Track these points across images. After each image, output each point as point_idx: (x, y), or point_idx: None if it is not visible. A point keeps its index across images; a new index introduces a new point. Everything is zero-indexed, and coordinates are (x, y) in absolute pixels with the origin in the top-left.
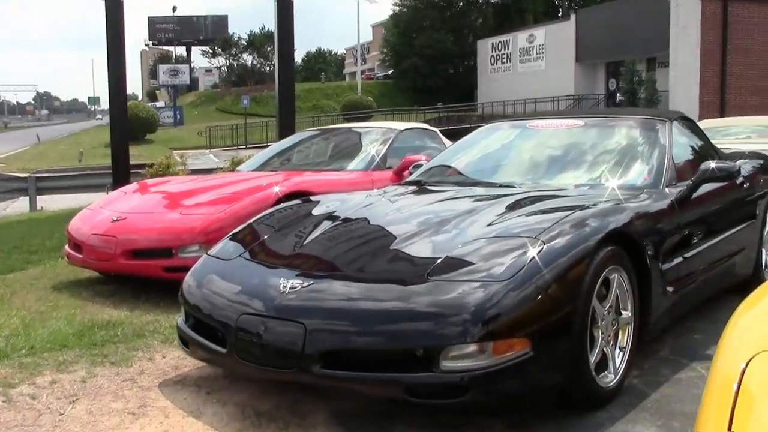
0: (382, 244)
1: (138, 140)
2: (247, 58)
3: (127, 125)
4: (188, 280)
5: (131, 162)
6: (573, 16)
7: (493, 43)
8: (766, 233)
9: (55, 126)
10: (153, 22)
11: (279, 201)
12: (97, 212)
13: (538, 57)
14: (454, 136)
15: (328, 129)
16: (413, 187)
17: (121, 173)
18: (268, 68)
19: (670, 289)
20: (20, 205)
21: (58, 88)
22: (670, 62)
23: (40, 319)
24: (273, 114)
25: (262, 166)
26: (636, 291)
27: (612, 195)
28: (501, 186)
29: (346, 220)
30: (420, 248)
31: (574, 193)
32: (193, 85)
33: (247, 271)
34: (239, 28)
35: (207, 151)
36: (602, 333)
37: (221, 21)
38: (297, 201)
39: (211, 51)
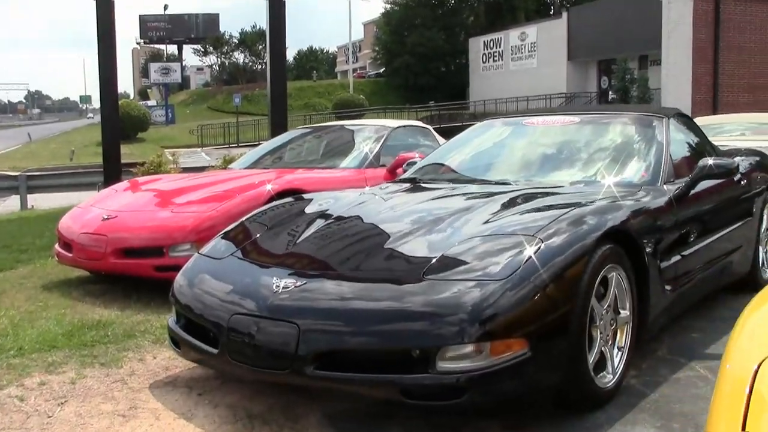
0: (376, 243)
1: (129, 139)
2: (239, 57)
3: (118, 124)
4: (179, 279)
5: (123, 160)
6: (565, 14)
7: (484, 41)
8: (763, 231)
9: (47, 125)
10: (144, 21)
11: (271, 199)
12: (87, 211)
13: (530, 55)
14: (445, 134)
15: (320, 126)
16: (407, 185)
17: (112, 172)
18: (259, 66)
19: (668, 287)
20: (11, 204)
21: (50, 87)
22: (663, 60)
23: (29, 319)
24: (265, 112)
25: (255, 164)
26: (634, 290)
27: (609, 192)
28: (496, 183)
29: (340, 218)
30: (415, 247)
31: (571, 190)
32: (185, 83)
33: (239, 271)
34: (231, 27)
35: (199, 149)
36: (600, 332)
37: (213, 19)
38: (290, 199)
39: (202, 49)
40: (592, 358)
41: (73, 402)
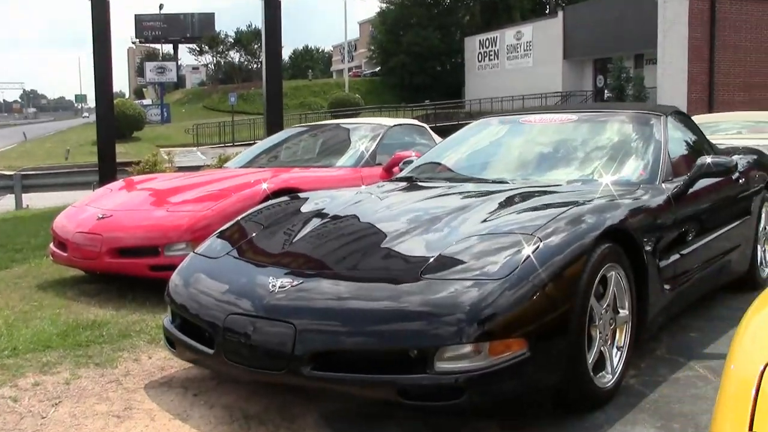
0: (373, 242)
1: (125, 138)
2: (234, 56)
3: (114, 123)
4: (174, 279)
5: (118, 160)
6: (560, 13)
7: (480, 41)
8: (761, 229)
9: (42, 124)
10: (140, 20)
11: (267, 198)
12: (82, 210)
13: (525, 54)
14: (441, 133)
15: (316, 125)
16: (404, 184)
17: (107, 171)
18: (255, 66)
19: (667, 286)
20: (6, 203)
21: (45, 86)
22: (658, 59)
23: (23, 319)
24: (260, 111)
25: (250, 163)
26: (633, 289)
27: (607, 191)
28: (493, 182)
29: (336, 217)
30: (412, 246)
31: (569, 189)
32: (180, 82)
33: (234, 270)
34: (226, 26)
35: (194, 148)
36: (600, 332)
37: (208, 18)
38: (285, 198)
39: (198, 49)
40: (591, 358)
41: (67, 403)
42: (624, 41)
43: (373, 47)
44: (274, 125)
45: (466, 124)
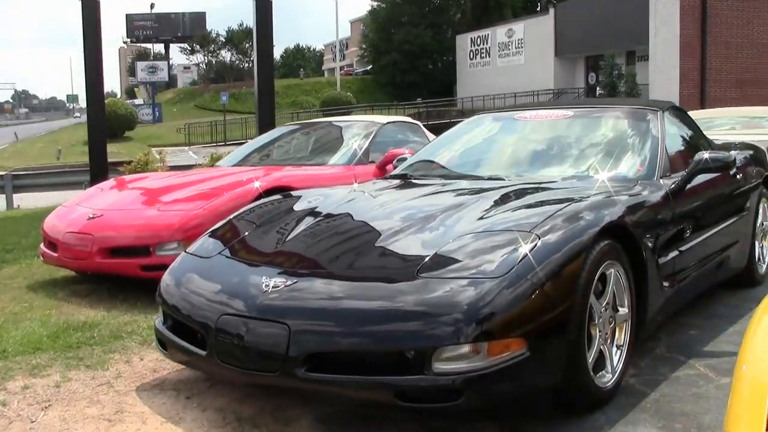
0: (367, 241)
1: (117, 137)
2: (226, 55)
3: (105, 122)
4: (166, 279)
5: (110, 159)
6: (552, 10)
7: (472, 38)
8: (759, 225)
9: (34, 124)
10: (131, 20)
11: (259, 196)
12: (72, 209)
13: (517, 51)
14: (433, 131)
15: (309, 123)
16: (398, 182)
17: (98, 171)
18: (246, 65)
19: (666, 284)
20: None
21: (37, 87)
22: (650, 56)
23: (13, 320)
24: (252, 111)
25: (242, 162)
26: (633, 287)
27: (605, 187)
28: (489, 179)
29: (330, 215)
30: (407, 245)
31: (565, 185)
32: (172, 82)
33: (227, 270)
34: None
35: (186, 148)
36: (599, 331)
37: (199, 18)
38: (278, 196)
39: (189, 48)
40: (591, 358)
41: (57, 406)
42: (615, 38)
43: (364, 46)
44: (265, 124)
45: (458, 122)
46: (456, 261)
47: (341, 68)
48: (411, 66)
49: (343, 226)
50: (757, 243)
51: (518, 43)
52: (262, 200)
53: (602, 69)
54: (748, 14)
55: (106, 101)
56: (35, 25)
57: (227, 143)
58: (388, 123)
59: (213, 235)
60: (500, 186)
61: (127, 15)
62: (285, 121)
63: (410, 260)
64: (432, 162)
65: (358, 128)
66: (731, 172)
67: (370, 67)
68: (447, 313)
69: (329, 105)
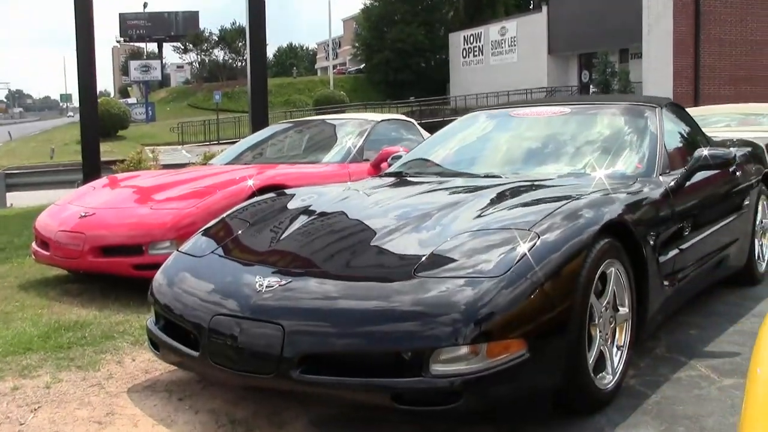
0: (363, 240)
1: (110, 136)
2: (219, 54)
3: (97, 121)
4: (158, 278)
5: (103, 158)
6: (545, 8)
7: (464, 36)
8: (758, 223)
9: (28, 123)
10: (124, 19)
11: (253, 195)
12: (64, 208)
13: (510, 49)
14: (427, 129)
15: (302, 121)
16: (393, 180)
17: (91, 169)
18: (239, 64)
19: (666, 282)
20: None
21: (31, 86)
22: (643, 53)
23: (4, 320)
24: (245, 109)
25: (235, 160)
26: (633, 286)
27: (604, 184)
28: (486, 177)
29: (324, 214)
30: (404, 243)
31: (564, 183)
32: (165, 81)
33: (220, 269)
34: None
35: (179, 146)
36: (600, 331)
37: (192, 17)
38: (271, 194)
39: (182, 47)
40: (591, 358)
41: (47, 408)
42: (609, 36)
43: (357, 44)
44: (259, 123)
45: (451, 120)
46: (453, 260)
47: (334, 67)
48: (404, 64)
49: (337, 224)
50: (756, 241)
51: (511, 41)
52: (256, 198)
53: (595, 67)
54: (742, 11)
55: (99, 100)
56: (29, 24)
57: (220, 142)
58: (382, 121)
59: (206, 233)
60: (497, 184)
61: (120, 14)
62: (278, 119)
63: (407, 259)
64: (427, 160)
65: (352, 126)
66: (730, 170)
67: (363, 65)
68: (445, 313)
69: (322, 104)
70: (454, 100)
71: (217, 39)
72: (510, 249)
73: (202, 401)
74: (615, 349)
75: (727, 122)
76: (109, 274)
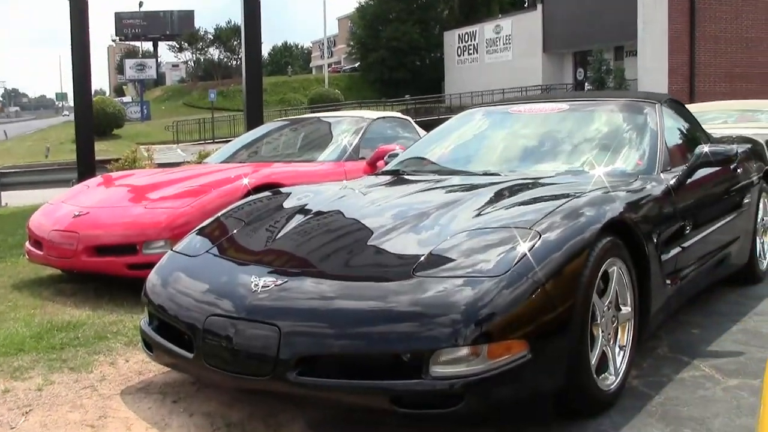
0: (360, 239)
1: (105, 135)
2: (214, 53)
3: (92, 120)
4: (152, 278)
5: (98, 157)
6: (539, 6)
7: (459, 35)
8: (759, 221)
9: (23, 122)
10: (120, 18)
11: (248, 194)
12: (58, 207)
13: (505, 47)
14: (422, 127)
15: (297, 119)
16: (390, 178)
17: (86, 168)
18: (235, 62)
19: (668, 281)
20: None
21: (27, 85)
22: (638, 51)
23: None
24: (240, 108)
25: (230, 158)
26: (635, 285)
27: (605, 182)
28: (484, 175)
29: (320, 213)
30: (402, 243)
31: (564, 180)
32: (160, 80)
33: (215, 269)
34: (206, 23)
35: (174, 145)
36: (602, 331)
37: (188, 16)
38: (267, 193)
39: (177, 46)
40: (594, 359)
41: (38, 411)
42: (604, 33)
43: (352, 43)
44: (254, 121)
45: (447, 118)
46: (453, 259)
47: (329, 65)
48: (399, 63)
49: (334, 223)
50: (758, 239)
51: (506, 39)
52: (251, 197)
53: (590, 64)
54: (737, 8)
55: (94, 99)
56: (25, 24)
57: (215, 140)
58: (378, 118)
59: (200, 233)
60: (496, 182)
61: (115, 13)
62: (273, 117)
63: (405, 259)
64: (424, 158)
65: (347, 124)
66: (731, 167)
67: (357, 64)
68: (444, 313)
69: (317, 102)
70: (449, 99)
71: (212, 38)
72: (510, 248)
73: (197, 403)
74: (617, 350)
75: (724, 119)
76: (102, 274)
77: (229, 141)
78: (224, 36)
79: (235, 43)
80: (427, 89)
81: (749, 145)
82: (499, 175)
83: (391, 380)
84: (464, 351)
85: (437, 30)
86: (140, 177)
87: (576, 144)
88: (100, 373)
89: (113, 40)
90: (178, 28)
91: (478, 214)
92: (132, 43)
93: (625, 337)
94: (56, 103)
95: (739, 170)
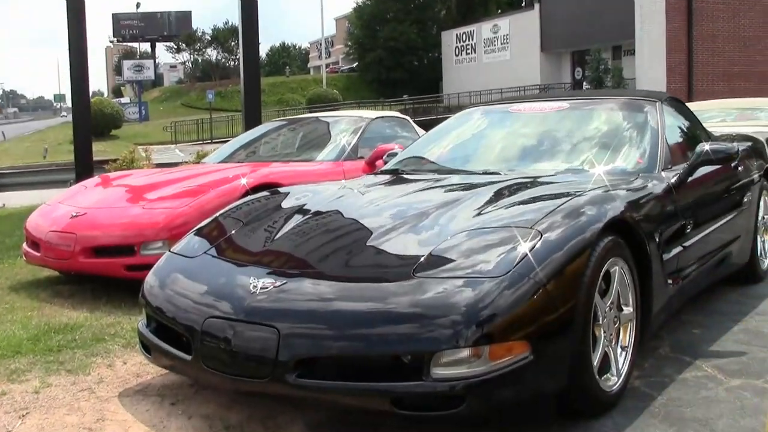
0: (359, 239)
1: (103, 136)
2: (212, 53)
3: (89, 120)
4: (150, 279)
5: (96, 158)
6: (537, 6)
7: (457, 34)
8: (760, 219)
9: (21, 123)
10: (117, 19)
11: (246, 193)
12: (55, 208)
13: (502, 47)
14: (420, 127)
15: (295, 119)
16: (390, 177)
17: (84, 169)
18: (232, 63)
19: (670, 281)
20: None
21: (25, 86)
22: (636, 50)
23: None
24: (238, 108)
25: (229, 158)
26: (637, 284)
27: (606, 181)
28: (485, 174)
29: (319, 213)
30: (402, 243)
31: (565, 179)
32: (158, 80)
33: (213, 270)
34: (203, 24)
35: (172, 146)
36: (604, 332)
37: (185, 16)
38: (265, 193)
39: (175, 47)
40: (596, 360)
41: (35, 414)
42: (601, 33)
43: (349, 43)
44: (252, 122)
45: (445, 118)
46: (453, 260)
47: (327, 66)
48: (396, 63)
49: (333, 223)
50: (759, 238)
51: (504, 39)
52: (249, 197)
53: (588, 64)
54: (734, 7)
55: (92, 100)
56: (23, 25)
57: (213, 141)
58: (376, 118)
59: (198, 233)
60: (496, 181)
61: (113, 14)
62: (271, 118)
63: (405, 259)
64: (424, 157)
65: (346, 123)
66: (732, 165)
67: (355, 64)
68: (445, 314)
69: (315, 102)
70: (447, 98)
71: (209, 38)
72: (511, 248)
73: (195, 406)
74: (620, 350)
75: (723, 117)
76: (100, 275)
77: (228, 141)
78: (222, 37)
79: (232, 43)
80: (424, 89)
81: (749, 143)
82: (499, 174)
83: (391, 382)
84: (465, 352)
85: (435, 30)
86: (138, 177)
87: (576, 143)
88: (97, 376)
89: (111, 41)
90: (175, 29)
91: (478, 214)
92: (130, 44)
93: (627, 337)
94: (54, 104)
95: (739, 168)
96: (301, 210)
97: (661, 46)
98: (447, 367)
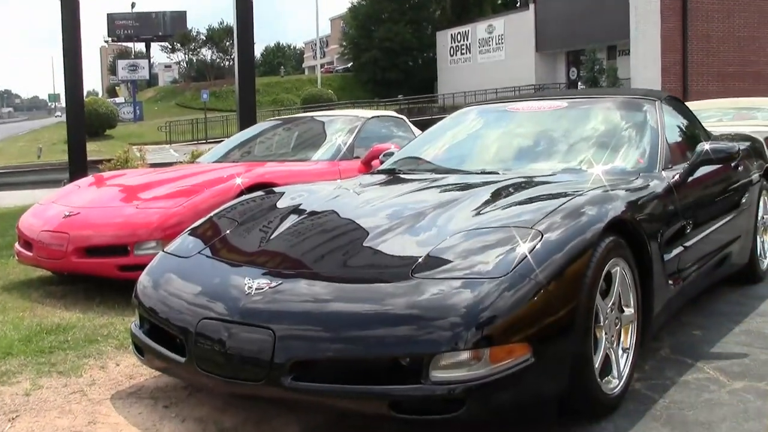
0: (356, 240)
1: (97, 136)
2: (207, 53)
3: (83, 120)
4: (143, 279)
5: (90, 158)
6: (532, 6)
7: (452, 34)
8: (760, 219)
9: (16, 123)
10: (112, 19)
11: (241, 193)
12: (48, 207)
13: (497, 47)
14: (416, 127)
15: (290, 119)
16: (386, 177)
17: (77, 169)
18: (227, 63)
19: (670, 282)
20: None
21: (19, 86)
22: (631, 50)
23: None
24: (233, 108)
25: (223, 158)
26: (638, 285)
27: (606, 180)
28: (483, 173)
29: (315, 213)
30: (399, 243)
31: (564, 179)
32: (153, 80)
33: (207, 270)
34: (198, 23)
35: (167, 145)
36: (605, 333)
37: (180, 16)
38: (260, 193)
39: (170, 46)
40: (597, 362)
41: (25, 417)
42: (596, 33)
43: (344, 43)
44: (247, 122)
45: (440, 118)
46: (452, 261)
47: (322, 66)
48: (391, 63)
49: (329, 224)
50: (758, 238)
51: (499, 39)
52: (244, 197)
53: (583, 64)
54: (729, 7)
55: (86, 100)
56: (18, 24)
57: (208, 141)
58: (372, 117)
59: (193, 233)
60: (494, 180)
61: (108, 14)
62: (266, 118)
63: (403, 260)
64: (420, 157)
65: (341, 123)
66: (732, 165)
67: (350, 64)
68: (444, 316)
69: (310, 102)
70: (442, 98)
71: (204, 38)
72: (510, 249)
73: (189, 408)
74: (621, 352)
75: (720, 117)
76: (93, 276)
77: (222, 141)
78: (217, 37)
79: (227, 43)
80: (419, 89)
81: (749, 143)
82: (497, 173)
83: (389, 385)
84: (465, 355)
85: (429, 30)
86: (132, 177)
87: (575, 142)
88: (89, 377)
89: (106, 41)
90: (170, 28)
91: (477, 214)
92: (124, 44)
93: (629, 339)
94: (49, 104)
95: (739, 168)
96: (296, 210)
97: (656, 46)
98: (446, 370)
